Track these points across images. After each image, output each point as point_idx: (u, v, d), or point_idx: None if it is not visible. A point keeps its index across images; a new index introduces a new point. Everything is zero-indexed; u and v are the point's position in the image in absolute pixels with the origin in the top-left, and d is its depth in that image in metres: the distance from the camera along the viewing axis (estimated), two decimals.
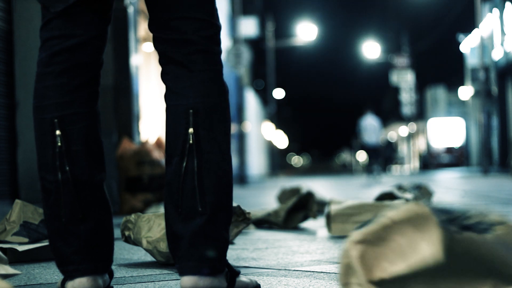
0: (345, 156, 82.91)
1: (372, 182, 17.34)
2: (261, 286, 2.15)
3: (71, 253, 1.85)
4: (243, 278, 1.97)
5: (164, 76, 1.90)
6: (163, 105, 13.85)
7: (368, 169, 19.40)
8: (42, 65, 1.92)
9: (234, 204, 2.95)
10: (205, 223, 1.80)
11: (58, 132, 1.86)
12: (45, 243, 2.92)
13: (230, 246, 3.32)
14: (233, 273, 1.91)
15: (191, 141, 1.82)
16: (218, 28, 1.92)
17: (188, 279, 1.79)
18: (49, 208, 1.90)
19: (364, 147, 19.32)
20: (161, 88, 13.83)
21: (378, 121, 19.34)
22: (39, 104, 1.89)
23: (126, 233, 2.81)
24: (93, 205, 1.88)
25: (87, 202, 1.87)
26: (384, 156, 40.51)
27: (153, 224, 2.75)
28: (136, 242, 2.76)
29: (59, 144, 1.86)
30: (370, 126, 18.94)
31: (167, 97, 1.89)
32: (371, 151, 19.08)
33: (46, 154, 1.88)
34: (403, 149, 52.63)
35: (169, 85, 1.89)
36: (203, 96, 1.85)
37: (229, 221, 1.86)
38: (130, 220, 2.81)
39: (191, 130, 1.83)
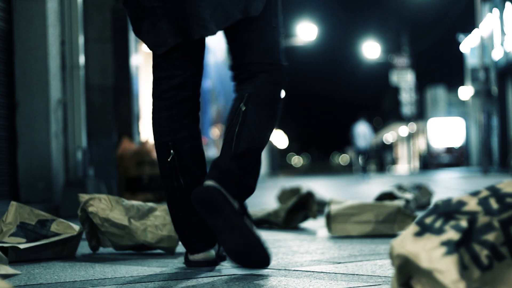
0: (348, 156, 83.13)
1: (361, 180, 19.20)
2: (261, 286, 2.15)
3: (188, 237, 2.52)
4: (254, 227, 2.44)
5: (236, 87, 2.54)
6: None
7: (359, 169, 22.20)
8: (156, 99, 2.55)
9: None
10: (231, 159, 2.40)
11: (172, 151, 2.50)
12: (45, 241, 2.92)
13: None
14: (248, 215, 2.44)
15: (241, 110, 2.44)
16: (283, 68, 2.54)
17: (209, 181, 2.36)
18: (171, 205, 2.55)
19: (356, 150, 22.15)
20: None
21: (369, 127, 22.13)
22: (157, 130, 2.54)
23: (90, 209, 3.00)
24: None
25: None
26: (378, 158, 40.76)
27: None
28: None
29: (171, 159, 2.49)
30: (362, 132, 21.63)
31: (236, 95, 2.52)
32: (362, 154, 21.94)
33: (164, 166, 2.52)
34: (399, 150, 52.64)
35: (237, 89, 2.53)
36: (258, 89, 2.47)
37: (256, 173, 2.48)
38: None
39: (242, 105, 2.44)
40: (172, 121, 2.51)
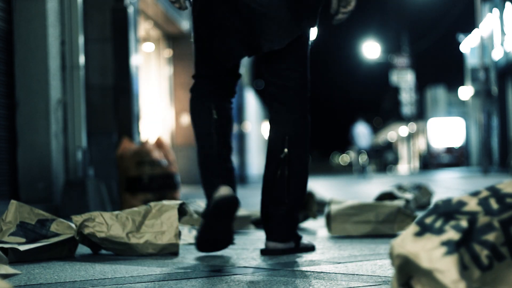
0: (349, 156, 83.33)
1: (362, 179, 20.22)
2: (261, 286, 2.15)
3: (216, 178, 2.88)
4: (304, 241, 3.06)
5: (269, 106, 3.03)
6: (163, 106, 13.85)
7: (359, 169, 23.78)
8: (198, 76, 3.04)
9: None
10: (288, 210, 2.93)
11: (215, 112, 2.96)
12: (45, 242, 2.92)
13: (230, 246, 3.32)
14: (297, 238, 3.00)
15: (284, 156, 2.94)
16: (308, 77, 3.03)
17: (272, 244, 2.94)
18: (204, 154, 2.95)
19: (357, 150, 23.44)
20: (161, 88, 13.83)
21: (368, 128, 23.39)
22: (201, 97, 3.00)
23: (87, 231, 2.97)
24: (227, 155, 2.98)
25: (225, 153, 2.96)
26: (380, 157, 40.76)
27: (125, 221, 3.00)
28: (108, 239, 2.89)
29: (215, 117, 2.96)
30: (361, 133, 22.92)
31: (272, 122, 3.01)
32: (364, 153, 23.37)
33: (204, 123, 2.96)
34: (401, 149, 52.52)
35: (273, 116, 3.01)
36: (295, 128, 2.96)
37: (301, 207, 3.13)
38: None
39: (286, 150, 2.94)
40: (216, 92, 3.00)
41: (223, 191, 2.80)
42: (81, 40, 6.28)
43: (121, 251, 3.02)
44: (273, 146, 2.96)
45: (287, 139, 2.94)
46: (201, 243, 2.88)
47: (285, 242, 2.93)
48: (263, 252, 2.94)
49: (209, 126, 2.95)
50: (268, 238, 2.94)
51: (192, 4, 3.04)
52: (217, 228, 2.83)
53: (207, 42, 2.97)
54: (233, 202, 2.80)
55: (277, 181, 2.93)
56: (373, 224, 3.76)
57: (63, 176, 6.02)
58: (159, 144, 6.72)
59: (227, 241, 2.88)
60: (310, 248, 3.05)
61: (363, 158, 23.44)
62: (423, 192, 6.19)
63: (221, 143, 2.94)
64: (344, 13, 3.10)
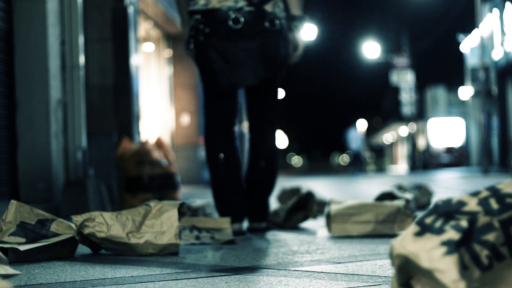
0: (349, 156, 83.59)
1: (355, 178, 21.98)
2: (261, 286, 2.15)
3: (227, 212, 3.97)
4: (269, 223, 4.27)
5: (251, 130, 4.16)
6: (163, 106, 13.85)
7: (351, 168, 26.88)
8: (212, 122, 4.04)
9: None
10: (264, 202, 4.13)
11: (223, 158, 3.97)
12: (45, 242, 2.92)
13: (229, 247, 3.33)
14: (267, 220, 4.17)
15: (261, 166, 4.10)
16: (277, 109, 4.16)
17: (256, 224, 4.09)
18: (218, 191, 3.99)
19: (349, 152, 26.55)
20: (161, 88, 13.82)
21: (360, 132, 26.87)
22: (212, 147, 4.00)
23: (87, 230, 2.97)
24: (238, 188, 4.02)
25: (236, 187, 4.01)
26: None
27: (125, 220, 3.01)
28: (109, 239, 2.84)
29: (222, 164, 3.98)
30: (354, 137, 26.23)
31: (252, 141, 4.16)
32: (355, 155, 26.54)
33: (216, 167, 3.98)
34: (399, 150, 52.38)
35: (253, 137, 4.15)
36: (269, 146, 4.12)
37: (269, 198, 4.15)
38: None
39: (263, 162, 4.10)
40: (223, 142, 3.99)
41: (235, 227, 3.92)
42: (81, 40, 6.28)
43: (121, 251, 3.02)
44: (253, 159, 4.12)
45: (264, 154, 4.09)
46: None
47: (263, 222, 4.11)
48: (250, 230, 4.07)
49: (219, 171, 3.99)
50: (253, 220, 4.09)
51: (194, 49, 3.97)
52: None
53: (202, 76, 4.01)
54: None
55: (257, 182, 4.11)
56: (373, 224, 3.76)
57: (63, 176, 6.02)
58: (159, 144, 6.72)
59: None
60: (270, 228, 4.19)
61: (354, 159, 26.48)
62: (423, 192, 6.19)
63: (229, 180, 3.98)
64: (294, 57, 4.16)
